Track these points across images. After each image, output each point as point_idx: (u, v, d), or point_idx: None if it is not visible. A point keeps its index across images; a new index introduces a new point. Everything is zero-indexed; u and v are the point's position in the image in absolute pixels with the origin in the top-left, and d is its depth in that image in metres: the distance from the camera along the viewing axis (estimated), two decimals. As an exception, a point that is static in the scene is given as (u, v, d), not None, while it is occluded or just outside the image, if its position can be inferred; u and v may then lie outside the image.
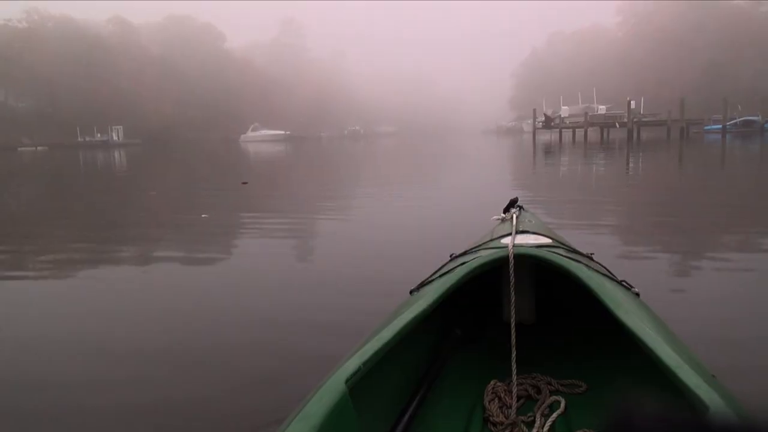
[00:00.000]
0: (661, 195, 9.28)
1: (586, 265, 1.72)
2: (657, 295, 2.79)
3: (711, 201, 8.06)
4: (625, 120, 38.12)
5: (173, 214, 8.61)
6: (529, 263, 1.77)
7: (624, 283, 1.87)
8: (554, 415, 1.56)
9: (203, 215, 7.56)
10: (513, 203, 2.58)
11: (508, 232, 2.00)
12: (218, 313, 3.48)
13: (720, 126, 39.09)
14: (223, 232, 6.64)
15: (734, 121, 39.89)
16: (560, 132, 41.94)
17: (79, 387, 2.54)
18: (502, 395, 1.63)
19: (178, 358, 2.81)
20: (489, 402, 1.61)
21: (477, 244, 2.13)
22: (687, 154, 20.37)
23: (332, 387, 1.11)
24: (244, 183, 12.23)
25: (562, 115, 46.28)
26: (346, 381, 1.13)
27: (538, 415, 1.58)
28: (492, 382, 1.68)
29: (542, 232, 2.11)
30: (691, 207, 7.64)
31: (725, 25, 69.44)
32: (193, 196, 11.09)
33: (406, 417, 1.49)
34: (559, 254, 1.70)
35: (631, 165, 16.36)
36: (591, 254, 2.17)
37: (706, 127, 40.94)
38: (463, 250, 2.11)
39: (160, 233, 6.80)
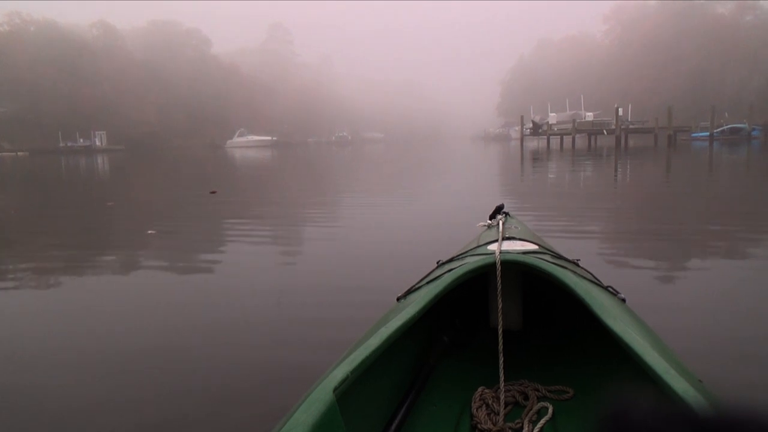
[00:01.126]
0: (648, 202, 9.20)
1: (573, 271, 1.70)
2: (643, 301, 2.75)
3: (697, 208, 8.10)
4: (613, 127, 38.01)
5: (119, 228, 7.71)
6: (516, 269, 1.76)
7: (610, 289, 1.86)
8: (542, 421, 1.54)
9: (149, 231, 6.81)
10: (499, 210, 2.57)
11: (495, 238, 1.99)
12: (194, 326, 3.29)
13: (707, 133, 39.10)
14: (164, 252, 5.78)
15: (721, 128, 39.99)
16: (548, 139, 41.79)
17: (60, 398, 2.43)
18: (490, 402, 1.61)
19: (160, 374, 2.65)
20: (477, 409, 1.59)
21: (463, 251, 2.12)
22: (675, 162, 20.14)
23: (320, 396, 1.10)
24: (213, 192, 11.23)
25: (549, 122, 46.17)
26: (334, 389, 1.12)
27: (525, 422, 1.56)
28: (480, 389, 1.65)
29: (528, 239, 2.10)
30: (677, 214, 7.60)
31: (711, 33, 70.12)
32: (152, 207, 10.21)
33: (395, 425, 1.49)
34: (545, 260, 1.69)
35: (618, 172, 16.06)
36: (577, 260, 2.15)
37: (693, 135, 41.00)
38: (449, 257, 2.10)
39: (95, 253, 5.83)
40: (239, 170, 22.98)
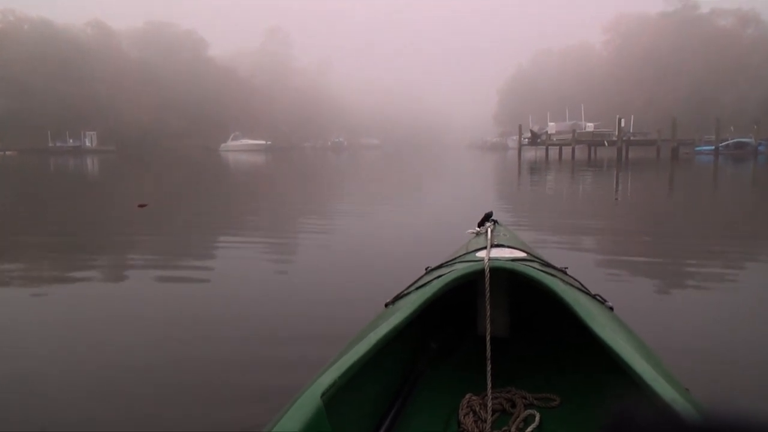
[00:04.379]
0: (645, 216, 8.90)
1: (561, 279, 1.71)
2: (631, 310, 2.70)
3: (694, 223, 7.99)
4: (614, 138, 36.95)
5: None
6: (504, 277, 1.77)
7: (598, 297, 1.87)
8: (529, 429, 1.55)
9: None
10: (488, 217, 2.59)
11: (483, 245, 2.00)
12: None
13: (712, 147, 38.02)
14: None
15: (726, 142, 38.94)
16: (546, 149, 40.71)
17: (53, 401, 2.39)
18: (477, 409, 1.61)
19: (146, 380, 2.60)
20: (464, 416, 1.59)
21: (452, 258, 2.12)
22: (681, 176, 19.18)
23: (307, 401, 1.10)
24: (142, 206, 9.24)
25: (548, 132, 45.08)
26: (322, 395, 1.13)
27: (512, 429, 1.56)
28: (467, 396, 1.66)
29: (517, 246, 2.10)
30: (672, 228, 7.44)
31: (711, 46, 69.56)
32: (34, 227, 8.02)
33: (382, 430, 1.50)
34: (533, 268, 1.69)
35: (620, 185, 15.12)
36: (565, 268, 2.13)
37: (696, 148, 39.98)
38: (438, 264, 2.10)
39: None
40: (216, 175, 21.87)
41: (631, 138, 39.32)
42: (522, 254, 1.91)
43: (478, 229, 2.49)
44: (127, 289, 4.38)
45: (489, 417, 1.55)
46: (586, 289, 1.95)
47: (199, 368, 2.72)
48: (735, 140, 39.30)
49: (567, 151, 38.46)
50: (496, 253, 1.85)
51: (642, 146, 39.65)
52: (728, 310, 3.57)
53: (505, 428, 1.56)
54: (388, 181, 18.37)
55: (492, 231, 2.25)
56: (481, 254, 1.82)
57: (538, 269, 1.68)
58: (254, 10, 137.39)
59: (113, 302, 3.95)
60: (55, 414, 2.32)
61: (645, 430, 0.43)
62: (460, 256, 2.09)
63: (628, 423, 0.43)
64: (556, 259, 2.38)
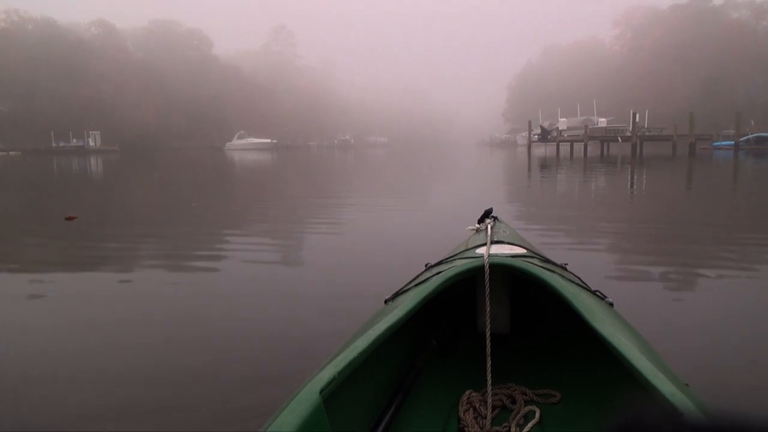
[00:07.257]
0: (652, 215, 8.50)
1: (560, 275, 1.70)
2: (631, 305, 2.68)
3: (704, 222, 7.64)
4: (629, 134, 35.59)
5: None
6: (504, 273, 1.78)
7: (598, 293, 1.87)
8: (529, 425, 1.55)
9: None
10: (487, 214, 2.60)
11: (483, 242, 2.01)
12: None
13: (731, 142, 36.47)
14: None
15: (746, 137, 37.40)
16: (557, 145, 39.44)
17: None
18: (477, 405, 1.61)
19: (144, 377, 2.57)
20: (464, 412, 1.59)
21: (452, 254, 2.14)
22: (700, 174, 18.03)
23: (306, 397, 1.11)
24: (70, 218, 8.00)
25: (560, 128, 43.69)
26: (321, 391, 1.13)
27: (512, 425, 1.56)
28: (467, 393, 1.66)
29: (517, 243, 2.10)
30: (679, 227, 7.22)
31: (723, 39, 67.97)
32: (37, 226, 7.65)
33: (381, 427, 1.50)
34: (533, 264, 1.69)
35: (635, 185, 14.09)
36: (565, 264, 2.15)
37: (714, 143, 38.54)
38: (438, 260, 2.12)
39: None
40: (203, 176, 21.00)
41: (646, 134, 37.89)
42: (522, 251, 1.89)
43: (478, 225, 2.47)
44: (122, 290, 4.31)
45: (489, 413, 1.54)
46: (586, 284, 1.93)
47: (199, 368, 2.68)
48: (755, 135, 37.71)
49: (578, 147, 37.23)
50: (496, 249, 1.83)
51: (656, 142, 38.24)
52: (729, 308, 3.53)
53: (505, 424, 1.55)
54: (390, 179, 17.84)
55: (492, 227, 2.22)
56: (481, 251, 1.80)
57: (537, 265, 1.66)
58: (258, 8, 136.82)
59: (112, 302, 3.92)
60: (53, 414, 2.27)
61: (646, 426, 0.43)
62: (459, 252, 2.07)
63: (631, 423, 0.43)
64: (557, 256, 2.35)
